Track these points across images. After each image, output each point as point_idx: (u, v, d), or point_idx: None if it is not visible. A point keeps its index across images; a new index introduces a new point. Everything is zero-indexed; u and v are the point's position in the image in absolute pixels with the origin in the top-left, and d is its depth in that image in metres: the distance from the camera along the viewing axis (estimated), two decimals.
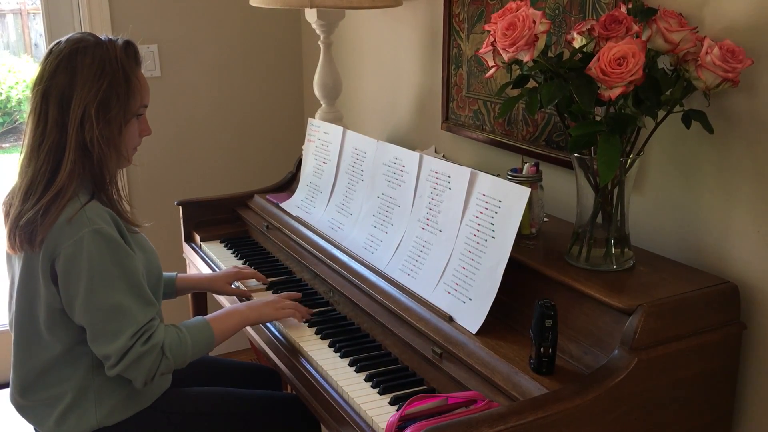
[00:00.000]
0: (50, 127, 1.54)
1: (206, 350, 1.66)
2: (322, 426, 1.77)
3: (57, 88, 1.53)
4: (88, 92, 1.53)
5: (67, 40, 1.58)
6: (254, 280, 2.06)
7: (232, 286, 2.03)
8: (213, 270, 2.23)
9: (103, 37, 1.60)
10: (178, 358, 1.59)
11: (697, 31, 1.43)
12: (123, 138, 1.61)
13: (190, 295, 2.34)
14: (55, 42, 1.59)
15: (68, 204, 1.52)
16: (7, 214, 1.60)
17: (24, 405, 1.67)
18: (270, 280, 2.08)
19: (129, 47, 1.61)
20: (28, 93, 1.58)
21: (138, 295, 1.55)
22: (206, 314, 2.42)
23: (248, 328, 2.01)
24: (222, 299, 2.17)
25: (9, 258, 1.66)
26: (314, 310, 1.88)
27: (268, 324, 1.91)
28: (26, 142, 1.58)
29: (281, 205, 2.33)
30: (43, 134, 1.54)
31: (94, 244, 1.50)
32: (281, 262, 2.22)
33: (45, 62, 1.57)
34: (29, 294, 1.60)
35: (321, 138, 2.27)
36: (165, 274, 1.97)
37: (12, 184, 1.64)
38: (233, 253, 2.31)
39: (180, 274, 2.02)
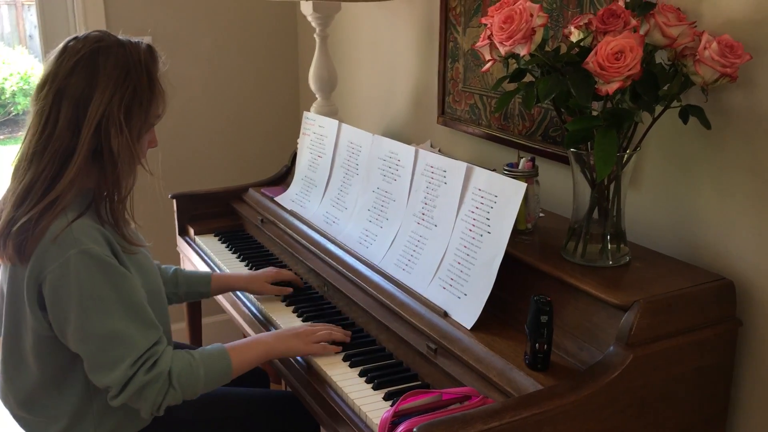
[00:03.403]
0: (60, 130, 1.42)
1: (221, 382, 1.52)
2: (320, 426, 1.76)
3: (73, 89, 1.41)
4: (110, 97, 1.42)
5: (86, 37, 1.46)
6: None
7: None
8: (207, 263, 2.22)
9: (122, 37, 1.49)
10: (188, 389, 1.46)
11: (696, 26, 1.42)
12: (142, 148, 1.51)
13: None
14: (71, 38, 1.47)
15: (56, 219, 1.41)
16: None
17: (19, 415, 1.59)
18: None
19: (153, 51, 1.52)
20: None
21: (137, 318, 1.43)
22: (200, 314, 2.42)
23: (236, 315, 1.99)
24: (223, 302, 2.13)
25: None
26: (310, 306, 1.88)
27: (256, 312, 1.90)
28: (27, 143, 1.45)
29: (276, 198, 2.32)
30: (51, 137, 1.42)
31: (82, 266, 1.38)
32: (276, 256, 2.21)
33: (59, 60, 1.44)
34: (14, 316, 1.50)
35: (316, 132, 2.26)
36: (198, 273, 1.92)
37: (6, 182, 1.52)
38: (227, 247, 2.30)
39: (215, 273, 1.94)
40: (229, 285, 1.94)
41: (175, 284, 1.87)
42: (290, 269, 2.10)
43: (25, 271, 1.42)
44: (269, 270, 1.97)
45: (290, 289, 1.93)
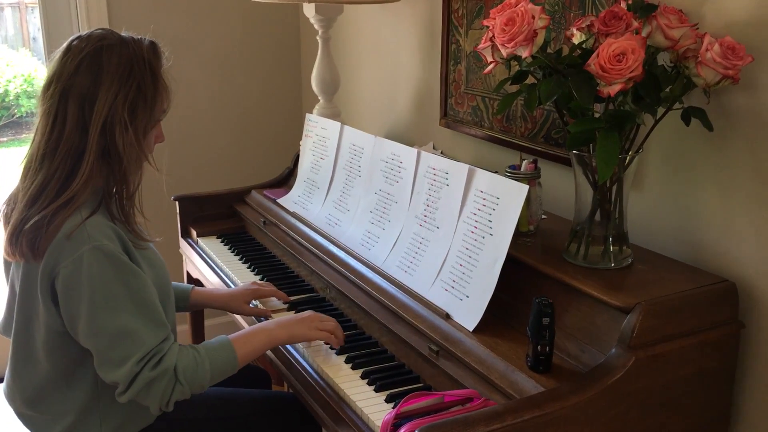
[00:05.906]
0: (69, 130, 1.43)
1: (228, 374, 1.54)
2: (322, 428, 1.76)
3: (79, 88, 1.42)
4: (115, 94, 1.42)
5: (89, 36, 1.46)
6: (274, 298, 1.92)
7: (251, 305, 1.89)
8: (210, 265, 2.23)
9: (125, 34, 1.49)
10: (195, 384, 1.47)
11: (698, 28, 1.42)
12: (148, 144, 1.53)
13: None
14: (74, 37, 1.47)
15: (70, 217, 1.42)
16: (7, 219, 1.50)
17: (24, 413, 1.60)
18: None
19: (156, 47, 1.52)
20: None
21: (146, 316, 1.43)
22: (203, 316, 2.42)
23: (240, 320, 1.99)
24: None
25: (7, 264, 1.59)
26: (312, 306, 1.88)
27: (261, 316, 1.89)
28: (37, 143, 1.46)
29: (278, 200, 2.32)
30: (60, 137, 1.43)
31: (95, 262, 1.39)
32: (278, 258, 2.21)
33: (63, 59, 1.45)
34: (26, 313, 1.51)
35: (319, 133, 2.26)
36: (179, 286, 1.89)
37: (11, 183, 1.53)
38: (230, 249, 2.31)
39: (196, 288, 1.90)
40: (207, 303, 1.91)
41: None
42: (291, 271, 2.11)
43: (39, 267, 1.43)
44: (248, 288, 1.91)
45: (270, 312, 1.87)
